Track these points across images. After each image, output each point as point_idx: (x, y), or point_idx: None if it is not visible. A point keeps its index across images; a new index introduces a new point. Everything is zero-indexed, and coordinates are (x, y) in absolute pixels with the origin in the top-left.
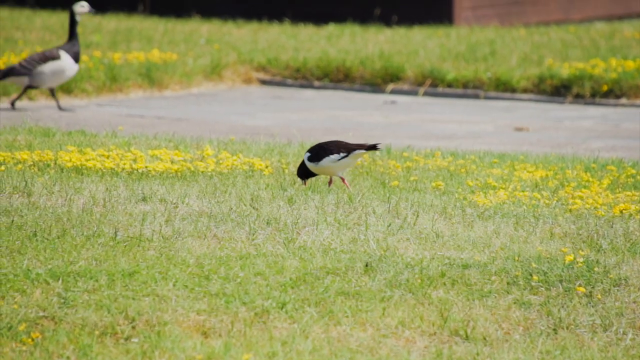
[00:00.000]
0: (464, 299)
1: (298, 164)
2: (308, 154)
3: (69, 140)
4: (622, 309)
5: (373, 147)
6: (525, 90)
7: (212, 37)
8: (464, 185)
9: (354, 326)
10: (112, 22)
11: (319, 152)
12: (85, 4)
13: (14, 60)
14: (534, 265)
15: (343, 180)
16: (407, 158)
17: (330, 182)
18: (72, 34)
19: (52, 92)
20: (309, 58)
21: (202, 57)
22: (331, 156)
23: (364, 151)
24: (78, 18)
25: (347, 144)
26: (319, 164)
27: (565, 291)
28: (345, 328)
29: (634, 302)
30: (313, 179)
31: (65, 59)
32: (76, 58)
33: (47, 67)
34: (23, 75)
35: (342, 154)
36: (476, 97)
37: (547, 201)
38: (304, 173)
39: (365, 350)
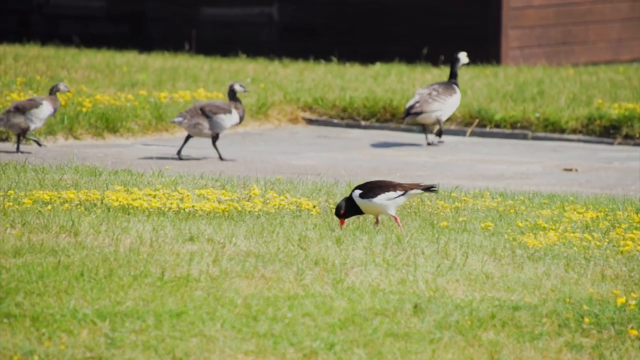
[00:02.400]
0: (514, 341)
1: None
2: (359, 191)
3: (115, 179)
4: None
5: (429, 188)
6: (573, 131)
7: (258, 76)
8: (513, 226)
9: None
10: (158, 61)
11: (373, 189)
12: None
13: (60, 99)
14: (585, 307)
15: (396, 219)
16: (455, 198)
17: (377, 222)
18: (453, 74)
19: None
20: (355, 97)
21: (248, 97)
22: (387, 194)
23: (420, 191)
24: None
25: (401, 183)
26: (373, 200)
27: (617, 334)
28: None
29: None
30: (352, 219)
31: (459, 94)
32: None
33: (453, 101)
34: (437, 111)
35: (399, 193)
36: (524, 137)
37: (598, 243)
38: (349, 211)
39: None
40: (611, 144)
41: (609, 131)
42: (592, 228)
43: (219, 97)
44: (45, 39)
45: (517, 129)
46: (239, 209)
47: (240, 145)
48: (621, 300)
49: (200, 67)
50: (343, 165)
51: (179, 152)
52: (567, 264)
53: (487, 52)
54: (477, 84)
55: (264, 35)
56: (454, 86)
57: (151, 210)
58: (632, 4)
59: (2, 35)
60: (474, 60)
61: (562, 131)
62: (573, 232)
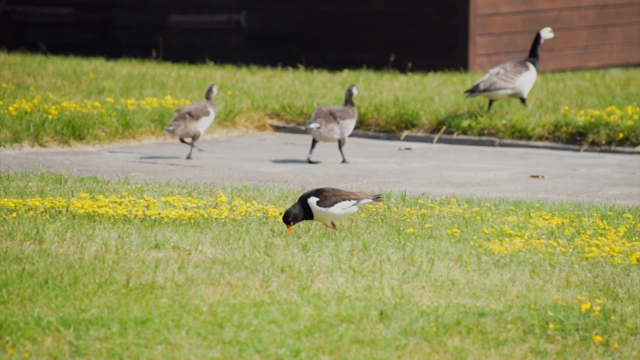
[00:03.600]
0: (479, 348)
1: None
2: (316, 199)
3: (81, 186)
4: (639, 358)
5: (377, 198)
6: (540, 138)
7: (226, 83)
8: (479, 233)
9: None
10: (125, 68)
11: (330, 197)
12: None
13: (25, 106)
14: (550, 313)
15: (334, 226)
16: (422, 205)
17: (328, 227)
18: (534, 53)
19: None
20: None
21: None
22: (342, 203)
23: (370, 200)
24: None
25: (354, 192)
26: (330, 210)
27: (582, 340)
28: None
29: None
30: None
31: (533, 71)
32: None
33: (524, 78)
34: (505, 89)
35: (352, 202)
36: (491, 144)
37: (563, 249)
38: (300, 216)
39: None
40: (577, 150)
41: (575, 138)
42: (557, 234)
43: (186, 104)
44: (11, 47)
45: (484, 135)
46: (206, 216)
47: (208, 152)
48: (586, 306)
49: (168, 74)
50: (310, 172)
51: (309, 159)
52: (533, 271)
53: (455, 59)
54: (445, 90)
55: (232, 43)
56: (528, 64)
57: (117, 217)
58: (599, 11)
59: None
60: (441, 67)
61: (529, 138)
62: (539, 239)
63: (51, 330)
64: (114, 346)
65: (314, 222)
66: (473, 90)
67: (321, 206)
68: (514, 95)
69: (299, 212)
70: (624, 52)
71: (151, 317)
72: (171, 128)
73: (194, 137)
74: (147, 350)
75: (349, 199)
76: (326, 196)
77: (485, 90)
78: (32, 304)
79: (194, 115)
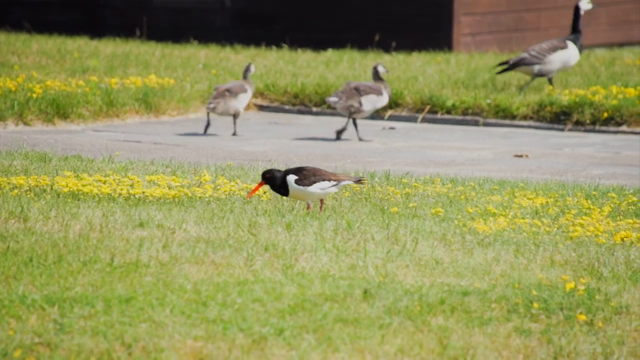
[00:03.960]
0: (463, 327)
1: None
2: (294, 177)
3: (65, 165)
4: (624, 337)
5: (359, 181)
6: (524, 117)
7: (210, 62)
8: (463, 212)
9: (352, 353)
10: (109, 47)
11: (309, 176)
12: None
13: (10, 85)
14: (534, 292)
15: (309, 205)
16: (406, 184)
17: (308, 207)
18: (575, 28)
19: None
20: (307, 84)
21: (199, 83)
22: (322, 183)
23: (351, 182)
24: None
25: (335, 173)
26: (308, 189)
27: (566, 319)
28: (344, 355)
29: (635, 330)
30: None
31: (572, 49)
32: (580, 49)
33: (556, 57)
34: (533, 65)
35: (332, 183)
36: (475, 123)
37: (547, 228)
38: (275, 184)
39: None
40: (562, 130)
41: (559, 117)
42: (541, 214)
43: (170, 83)
44: None
45: (468, 115)
46: (190, 195)
47: (192, 131)
48: (570, 285)
49: (152, 53)
50: (294, 151)
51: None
52: (517, 250)
53: (439, 38)
54: (429, 70)
55: (216, 22)
56: (567, 42)
57: (101, 196)
58: None
59: None
60: (425, 47)
61: (513, 117)
62: (523, 218)
63: (36, 308)
64: (99, 324)
65: (298, 202)
66: (504, 64)
67: (299, 184)
68: (540, 73)
69: (276, 180)
70: (609, 32)
71: (135, 296)
72: (212, 105)
73: (235, 115)
74: (131, 328)
75: (329, 180)
76: (305, 175)
77: (515, 65)
78: (16, 282)
79: (232, 93)
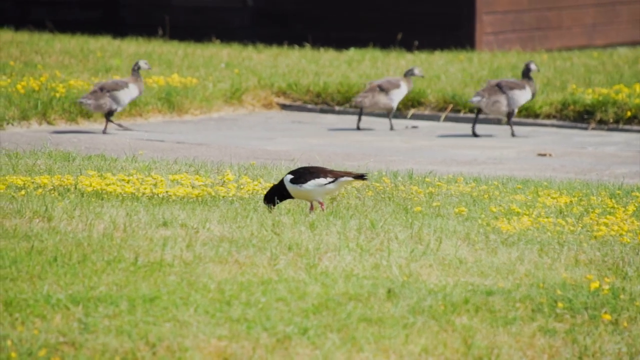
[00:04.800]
0: (487, 326)
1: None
2: (290, 176)
3: (89, 164)
4: None
5: (361, 177)
6: (547, 116)
7: (232, 61)
8: (487, 211)
9: (376, 353)
10: (132, 46)
11: (304, 174)
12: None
13: (33, 84)
14: (558, 292)
15: (321, 204)
16: (429, 183)
17: (311, 207)
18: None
19: None
20: (329, 83)
21: (222, 82)
22: (317, 180)
23: (351, 179)
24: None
25: (333, 170)
26: (303, 186)
27: (591, 319)
28: (368, 355)
29: None
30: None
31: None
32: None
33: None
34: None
35: (328, 179)
36: (498, 122)
37: (571, 228)
38: (278, 195)
39: None
40: (585, 129)
41: (582, 116)
42: (565, 213)
43: (193, 82)
44: (18, 25)
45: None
46: (213, 194)
47: (214, 130)
48: (594, 285)
49: (174, 53)
50: (317, 150)
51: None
52: (541, 249)
53: (461, 37)
54: (451, 69)
55: (238, 21)
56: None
57: (125, 195)
58: None
59: None
60: (448, 45)
61: (536, 116)
62: (547, 217)
63: (60, 308)
64: (123, 323)
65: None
66: None
67: (294, 183)
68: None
69: (275, 192)
70: (632, 30)
71: (159, 295)
72: (359, 99)
73: (389, 111)
74: (155, 328)
75: (325, 176)
76: (301, 173)
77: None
78: (41, 281)
79: (384, 89)
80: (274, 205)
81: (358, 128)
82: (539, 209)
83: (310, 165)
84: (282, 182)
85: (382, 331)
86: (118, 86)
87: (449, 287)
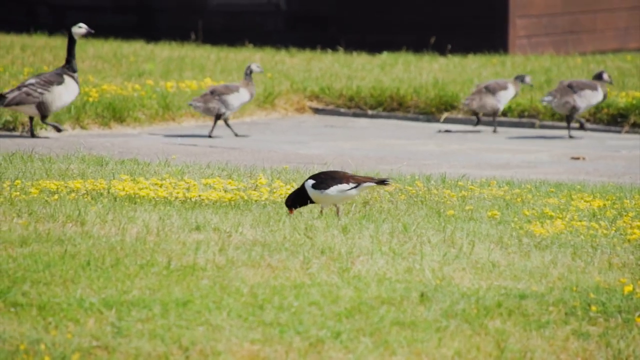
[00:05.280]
0: (521, 330)
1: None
2: (312, 181)
3: (122, 169)
4: None
5: (382, 182)
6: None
7: (265, 65)
8: (520, 215)
9: (409, 356)
10: (165, 51)
11: (326, 180)
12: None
13: None
14: (592, 295)
15: (338, 210)
16: (462, 187)
17: (321, 211)
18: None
19: None
20: (362, 87)
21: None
22: (340, 186)
23: (373, 184)
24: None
25: (354, 175)
26: (325, 192)
27: (625, 322)
28: (401, 358)
29: None
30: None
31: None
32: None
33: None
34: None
35: (351, 185)
36: (532, 125)
37: (605, 231)
38: (300, 201)
39: None
40: (619, 132)
41: (616, 120)
42: (599, 216)
43: None
44: (52, 30)
45: (524, 117)
46: (246, 198)
47: (247, 134)
48: (628, 288)
49: (207, 57)
50: (350, 154)
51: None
52: (574, 253)
53: (495, 41)
54: (485, 72)
55: (271, 25)
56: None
57: (157, 199)
58: None
59: (9, 25)
60: (481, 49)
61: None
62: (580, 221)
63: (93, 312)
64: (156, 327)
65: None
66: None
67: (316, 189)
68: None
69: (297, 197)
70: None
71: (192, 299)
72: (467, 102)
73: (494, 113)
74: (188, 332)
75: (347, 182)
76: (323, 179)
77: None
78: (74, 285)
79: (491, 90)
80: (295, 209)
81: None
82: (572, 212)
83: (330, 170)
84: (303, 187)
85: (415, 335)
86: (228, 90)
87: (482, 291)
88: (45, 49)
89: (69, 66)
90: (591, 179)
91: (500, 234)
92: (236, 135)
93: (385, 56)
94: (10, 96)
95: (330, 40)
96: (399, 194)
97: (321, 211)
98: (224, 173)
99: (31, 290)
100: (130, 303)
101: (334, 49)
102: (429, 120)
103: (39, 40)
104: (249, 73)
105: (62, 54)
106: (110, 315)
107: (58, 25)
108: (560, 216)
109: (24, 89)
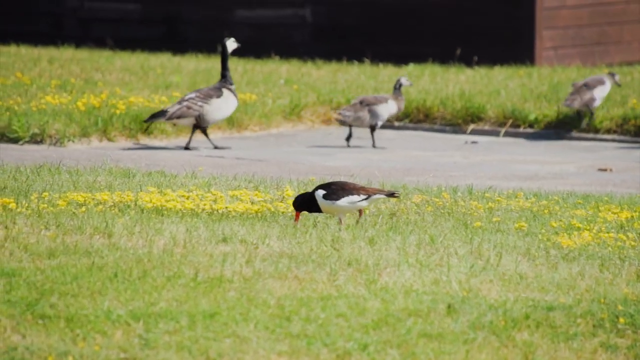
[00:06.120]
0: (548, 342)
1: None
2: (323, 192)
3: (149, 181)
4: None
5: (392, 195)
6: (608, 131)
7: (291, 77)
8: (547, 226)
9: None
10: (192, 63)
11: (337, 191)
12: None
13: (93, 101)
14: (620, 307)
15: (340, 220)
16: (489, 199)
17: (341, 222)
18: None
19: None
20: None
21: (281, 98)
22: (351, 197)
23: (383, 196)
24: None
25: (365, 187)
26: (336, 203)
27: None
28: None
29: None
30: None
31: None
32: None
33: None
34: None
35: (362, 197)
36: (558, 137)
37: (632, 243)
38: (306, 207)
39: None
40: None
41: None
42: (627, 228)
43: (252, 98)
44: (79, 42)
45: (551, 129)
46: (272, 210)
47: (274, 146)
48: None
49: (234, 69)
50: (376, 166)
51: None
52: (602, 264)
53: (521, 52)
54: (511, 84)
55: (297, 37)
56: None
57: (184, 211)
58: None
59: (36, 38)
60: (507, 61)
61: (597, 131)
62: (608, 232)
63: (121, 324)
64: (183, 339)
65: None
66: None
67: (327, 199)
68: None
69: (304, 202)
70: None
71: (219, 311)
72: (568, 102)
73: (592, 109)
74: (215, 344)
75: (358, 194)
76: (334, 190)
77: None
78: (102, 297)
79: (589, 86)
80: (300, 212)
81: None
82: (600, 224)
83: (340, 181)
84: (312, 195)
85: (442, 347)
86: (377, 101)
87: (510, 303)
88: (72, 61)
89: (226, 80)
90: (618, 190)
91: (528, 245)
92: (374, 146)
93: (411, 67)
94: (171, 110)
95: (356, 51)
96: (426, 205)
97: (340, 221)
98: (250, 185)
99: (59, 302)
100: (158, 315)
101: (360, 61)
102: (455, 132)
103: (66, 53)
104: (398, 87)
105: (90, 66)
106: (137, 327)
107: (85, 37)
108: (588, 228)
109: (185, 103)
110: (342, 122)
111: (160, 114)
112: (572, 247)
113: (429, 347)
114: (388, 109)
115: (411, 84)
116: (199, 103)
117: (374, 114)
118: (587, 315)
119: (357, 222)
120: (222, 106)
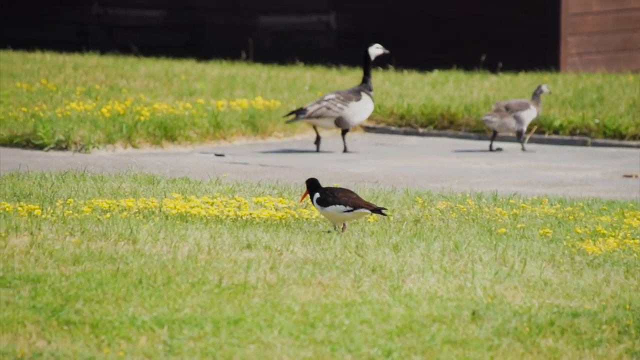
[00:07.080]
0: (573, 348)
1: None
2: (318, 195)
3: (173, 187)
4: None
5: (378, 210)
6: (634, 137)
7: (316, 84)
8: (572, 233)
9: None
10: (216, 70)
11: (328, 198)
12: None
13: (118, 108)
14: None
15: (343, 227)
16: (513, 205)
17: (343, 228)
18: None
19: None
20: (413, 105)
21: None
22: (337, 206)
23: (367, 211)
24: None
25: (358, 198)
26: (325, 209)
27: None
28: None
29: None
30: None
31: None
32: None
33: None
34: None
35: (347, 208)
36: (583, 143)
37: None
38: (311, 195)
39: None
40: None
41: None
42: None
43: (276, 105)
44: (104, 49)
45: (576, 135)
46: (296, 216)
47: (298, 153)
48: None
49: (258, 75)
50: (401, 172)
51: None
52: (627, 271)
53: (546, 59)
54: None
55: (322, 43)
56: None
57: (209, 218)
58: None
59: (61, 45)
60: (532, 67)
61: (622, 137)
62: (633, 239)
63: (145, 330)
64: (207, 345)
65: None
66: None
67: (318, 204)
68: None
69: (313, 190)
70: None
71: (244, 317)
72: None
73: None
74: (240, 350)
75: (344, 204)
76: (327, 195)
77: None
78: (126, 303)
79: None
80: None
81: None
82: (625, 230)
83: (340, 187)
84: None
85: (467, 353)
86: (522, 107)
87: (534, 309)
88: (97, 68)
89: (366, 85)
90: None
91: (552, 252)
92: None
93: (436, 74)
94: (311, 109)
95: (380, 58)
96: (450, 212)
97: (340, 227)
98: (274, 191)
99: (84, 309)
100: (182, 321)
101: (385, 67)
102: (480, 139)
103: (91, 60)
104: (538, 93)
105: (114, 73)
106: (162, 334)
107: (110, 44)
108: (613, 234)
109: (324, 103)
110: (487, 128)
111: (300, 112)
112: (597, 254)
113: (453, 353)
114: (530, 114)
115: (550, 92)
116: (339, 105)
117: (519, 120)
118: (612, 322)
119: (338, 233)
120: (361, 110)
